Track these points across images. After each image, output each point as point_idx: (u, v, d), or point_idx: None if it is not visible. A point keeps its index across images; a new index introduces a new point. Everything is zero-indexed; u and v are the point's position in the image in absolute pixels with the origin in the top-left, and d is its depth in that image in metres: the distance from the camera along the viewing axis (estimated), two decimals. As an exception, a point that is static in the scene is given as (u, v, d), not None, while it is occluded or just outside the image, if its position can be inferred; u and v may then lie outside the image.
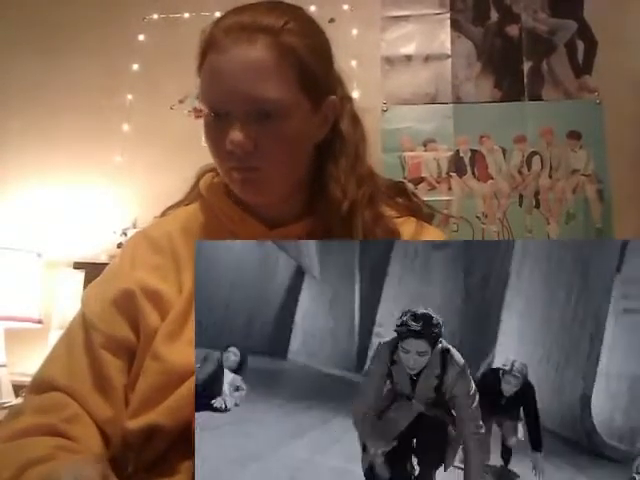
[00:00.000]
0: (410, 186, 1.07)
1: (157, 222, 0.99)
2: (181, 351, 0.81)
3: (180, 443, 0.79)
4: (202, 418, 0.84)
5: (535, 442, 1.10)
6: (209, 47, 0.83)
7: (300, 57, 0.83)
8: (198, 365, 1.30)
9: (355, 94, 1.97)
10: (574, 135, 2.43)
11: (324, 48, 0.90)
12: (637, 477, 1.00)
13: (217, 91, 0.82)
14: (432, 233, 0.96)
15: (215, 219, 0.93)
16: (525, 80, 2.49)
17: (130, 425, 0.80)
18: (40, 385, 0.84)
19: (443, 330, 0.74)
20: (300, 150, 0.87)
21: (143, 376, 0.82)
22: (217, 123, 0.83)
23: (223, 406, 1.40)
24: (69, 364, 0.84)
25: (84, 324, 0.87)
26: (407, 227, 0.94)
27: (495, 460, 1.14)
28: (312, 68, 0.84)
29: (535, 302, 1.93)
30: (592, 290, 1.68)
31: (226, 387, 1.43)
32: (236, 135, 0.80)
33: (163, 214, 1.01)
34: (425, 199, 1.04)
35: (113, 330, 0.85)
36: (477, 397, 0.77)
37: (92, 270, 2.14)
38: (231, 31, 0.82)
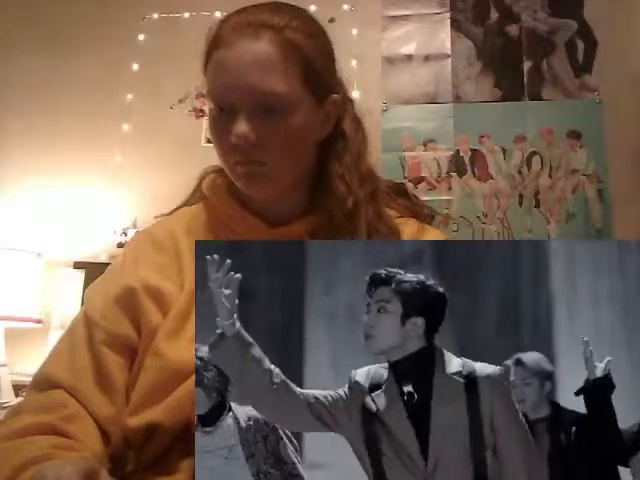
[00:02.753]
0: (410, 187, 1.07)
1: (160, 221, 0.99)
2: (182, 348, 0.81)
3: (181, 442, 0.79)
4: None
5: None
6: (215, 44, 0.84)
7: (304, 53, 0.84)
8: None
9: (355, 94, 1.98)
10: (574, 135, 2.43)
11: (327, 47, 0.91)
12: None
13: (223, 85, 0.83)
14: (433, 234, 0.97)
15: (218, 218, 0.94)
16: (525, 80, 2.49)
17: (130, 423, 0.80)
18: (41, 383, 0.84)
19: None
20: (304, 146, 0.87)
21: (144, 373, 0.82)
22: (222, 118, 0.84)
23: None
24: (71, 361, 0.84)
25: (86, 322, 0.87)
26: (408, 228, 0.94)
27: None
28: (315, 65, 0.85)
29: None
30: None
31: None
32: (241, 127, 0.81)
33: (168, 215, 1.01)
34: (425, 199, 1.05)
35: (115, 327, 0.85)
36: None
37: (92, 270, 2.14)
38: (237, 28, 0.83)
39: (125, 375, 0.84)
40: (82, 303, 0.92)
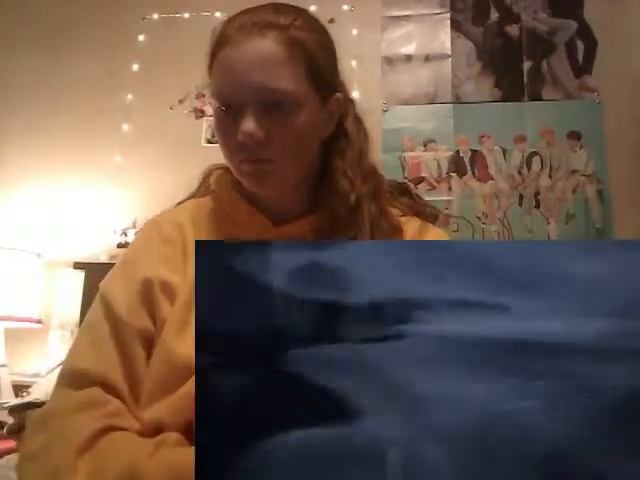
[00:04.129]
0: (412, 187, 1.07)
1: (168, 212, 0.99)
2: (189, 343, 0.80)
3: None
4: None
5: None
6: (220, 44, 0.85)
7: (309, 51, 0.84)
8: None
9: (355, 94, 1.98)
10: (574, 135, 2.43)
11: (330, 46, 0.91)
12: None
13: (229, 83, 0.83)
14: (436, 233, 0.97)
15: (223, 212, 0.94)
16: (525, 80, 2.50)
17: (142, 417, 0.79)
18: (75, 382, 0.81)
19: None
20: (309, 144, 0.88)
21: (152, 366, 0.82)
22: (228, 116, 0.84)
23: None
24: (100, 357, 0.82)
25: (109, 315, 0.85)
26: (411, 226, 0.94)
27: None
28: (320, 63, 0.86)
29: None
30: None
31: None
32: (248, 125, 0.81)
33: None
34: (425, 199, 1.04)
35: (138, 322, 0.84)
36: None
37: (92, 270, 2.14)
38: (242, 28, 0.83)
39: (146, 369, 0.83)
40: (83, 303, 0.92)
